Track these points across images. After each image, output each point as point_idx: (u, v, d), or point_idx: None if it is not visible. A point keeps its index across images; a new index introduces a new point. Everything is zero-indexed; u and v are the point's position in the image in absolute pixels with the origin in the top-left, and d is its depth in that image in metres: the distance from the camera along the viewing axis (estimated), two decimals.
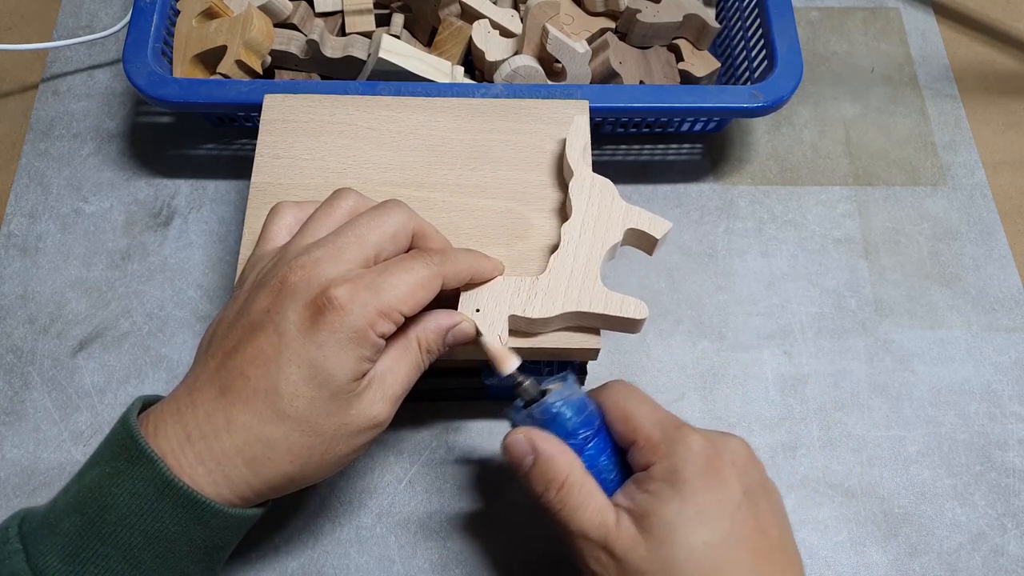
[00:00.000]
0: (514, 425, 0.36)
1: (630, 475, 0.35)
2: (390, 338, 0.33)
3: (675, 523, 0.31)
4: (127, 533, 0.29)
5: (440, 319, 0.34)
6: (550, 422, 0.35)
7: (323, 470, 0.32)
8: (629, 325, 0.37)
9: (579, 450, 0.35)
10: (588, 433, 0.35)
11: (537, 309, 0.36)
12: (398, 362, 0.33)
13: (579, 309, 0.36)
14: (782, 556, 0.33)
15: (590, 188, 0.39)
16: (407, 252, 0.35)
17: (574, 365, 0.41)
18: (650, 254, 0.40)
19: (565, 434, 0.35)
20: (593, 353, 0.38)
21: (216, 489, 0.30)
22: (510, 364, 0.35)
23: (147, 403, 0.33)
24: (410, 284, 0.32)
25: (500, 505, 0.44)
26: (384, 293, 0.31)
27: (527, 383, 0.35)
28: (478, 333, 0.35)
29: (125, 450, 0.30)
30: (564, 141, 0.41)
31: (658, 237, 0.38)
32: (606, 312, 0.36)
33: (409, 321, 0.33)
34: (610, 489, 0.34)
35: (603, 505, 0.33)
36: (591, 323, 0.37)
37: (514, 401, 0.36)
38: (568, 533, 0.33)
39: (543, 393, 0.35)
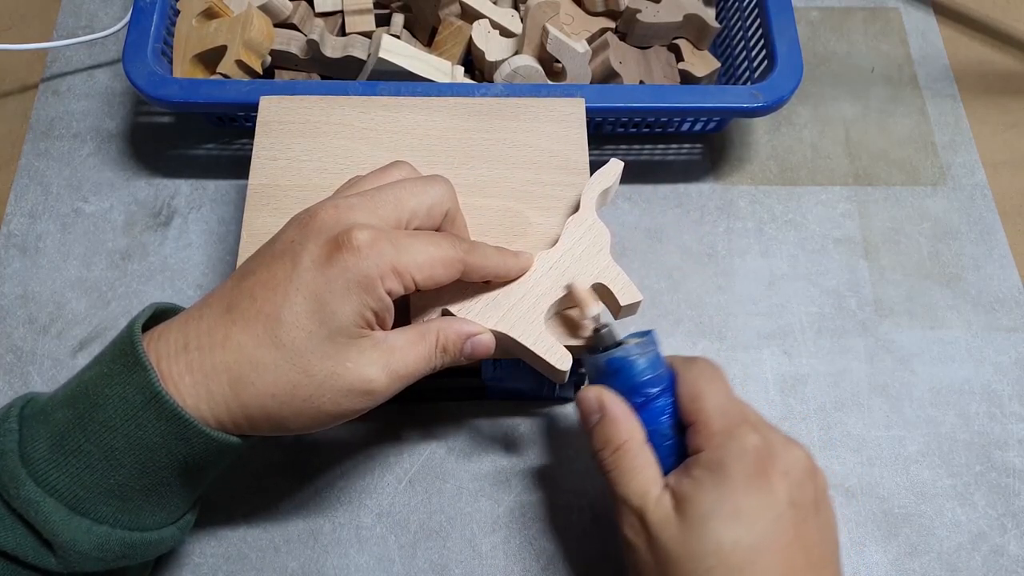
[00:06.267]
0: (588, 371, 0.37)
1: (687, 448, 0.35)
2: (411, 324, 0.34)
3: (709, 515, 0.31)
4: (110, 435, 0.30)
5: (464, 324, 0.35)
6: (620, 370, 0.35)
7: (302, 419, 0.32)
8: (551, 371, 0.36)
9: (643, 406, 0.35)
10: (655, 391, 0.35)
11: (474, 314, 0.36)
12: (412, 344, 0.33)
13: (509, 334, 0.36)
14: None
15: (586, 229, 0.38)
16: (439, 230, 0.35)
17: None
18: (615, 317, 0.39)
19: (632, 386, 0.35)
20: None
21: (196, 402, 0.30)
22: (593, 308, 0.36)
23: (161, 310, 0.34)
24: (432, 256, 0.32)
25: (500, 505, 0.44)
26: (404, 253, 0.31)
27: (605, 330, 0.36)
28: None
29: (124, 354, 0.30)
30: (568, 141, 0.41)
31: (622, 304, 0.37)
32: (532, 349, 0.36)
33: (434, 317, 0.35)
34: (665, 452, 0.35)
35: (651, 478, 0.34)
36: (520, 354, 0.37)
37: (590, 351, 0.37)
38: (613, 494, 0.35)
39: (620, 344, 0.36)
